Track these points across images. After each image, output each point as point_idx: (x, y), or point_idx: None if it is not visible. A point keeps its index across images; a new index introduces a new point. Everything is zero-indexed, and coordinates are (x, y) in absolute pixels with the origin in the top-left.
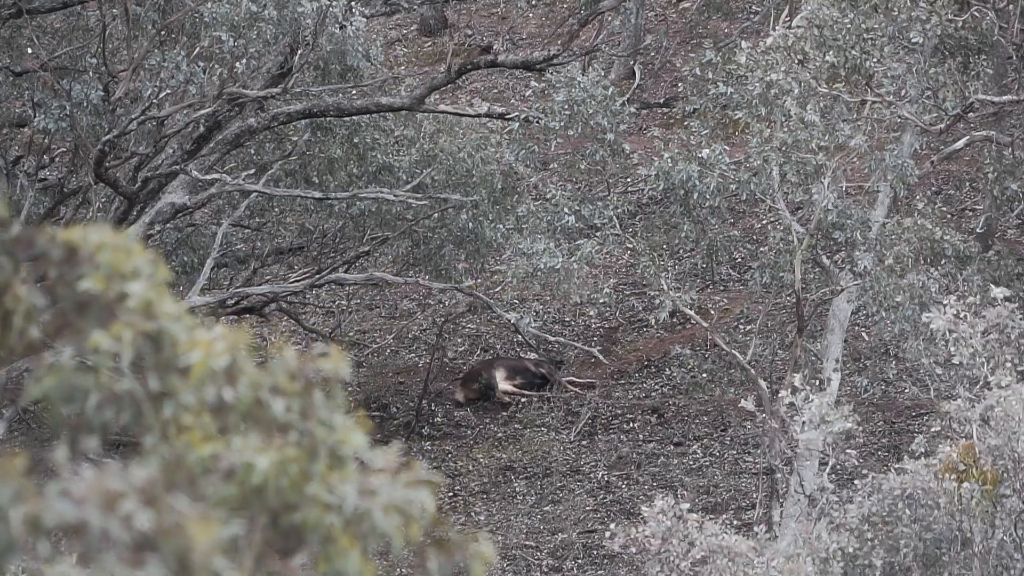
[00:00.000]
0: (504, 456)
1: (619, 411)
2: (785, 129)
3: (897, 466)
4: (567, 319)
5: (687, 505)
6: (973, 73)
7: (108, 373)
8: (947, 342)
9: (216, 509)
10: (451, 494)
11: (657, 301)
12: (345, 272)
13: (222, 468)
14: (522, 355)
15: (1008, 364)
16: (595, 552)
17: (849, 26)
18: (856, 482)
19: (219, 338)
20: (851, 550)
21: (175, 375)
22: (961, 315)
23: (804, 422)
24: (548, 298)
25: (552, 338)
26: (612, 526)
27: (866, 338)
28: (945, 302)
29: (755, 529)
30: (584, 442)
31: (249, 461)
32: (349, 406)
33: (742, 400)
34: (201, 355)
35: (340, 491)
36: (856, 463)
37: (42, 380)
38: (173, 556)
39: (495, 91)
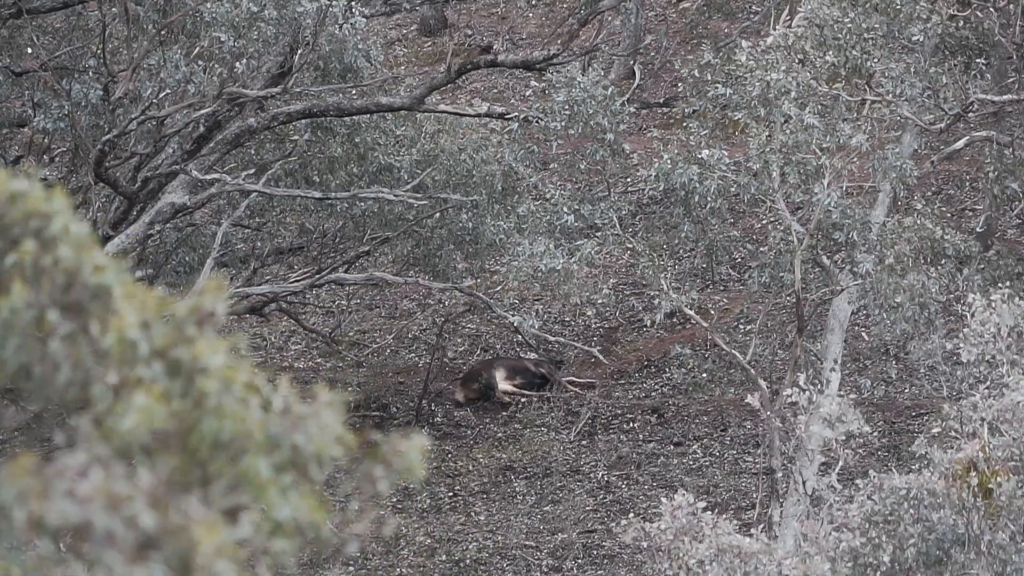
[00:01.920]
0: (504, 456)
1: (619, 411)
2: (785, 131)
3: (913, 468)
4: (567, 319)
5: (703, 504)
6: (974, 73)
7: (39, 334)
8: (978, 334)
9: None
10: (451, 494)
11: (656, 301)
12: (345, 272)
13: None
14: (522, 355)
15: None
16: (595, 552)
17: (849, 25)
18: (859, 482)
19: (133, 304)
20: (856, 544)
21: (109, 318)
22: (984, 311)
23: (809, 421)
24: (548, 298)
25: (552, 338)
26: (623, 521)
27: (866, 338)
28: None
29: (754, 529)
30: (584, 442)
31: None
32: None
33: (747, 396)
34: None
35: (271, 426)
36: (861, 460)
37: None
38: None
39: (495, 91)
